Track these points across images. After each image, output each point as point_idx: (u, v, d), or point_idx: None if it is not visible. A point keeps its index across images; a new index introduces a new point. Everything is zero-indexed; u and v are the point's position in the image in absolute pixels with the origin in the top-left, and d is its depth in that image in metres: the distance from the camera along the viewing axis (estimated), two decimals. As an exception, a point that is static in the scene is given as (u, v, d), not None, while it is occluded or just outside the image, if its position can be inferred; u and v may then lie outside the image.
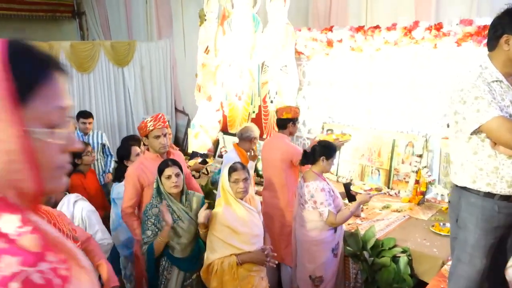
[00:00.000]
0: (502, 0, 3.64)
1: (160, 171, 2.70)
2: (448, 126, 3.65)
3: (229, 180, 2.50)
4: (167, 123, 3.14)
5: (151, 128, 2.97)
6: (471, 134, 2.04)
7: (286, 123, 3.46)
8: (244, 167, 2.55)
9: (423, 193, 3.69)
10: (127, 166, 3.41)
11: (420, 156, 3.78)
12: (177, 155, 3.28)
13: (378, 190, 3.58)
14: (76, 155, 3.71)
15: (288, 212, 3.42)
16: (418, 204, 3.65)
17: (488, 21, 3.35)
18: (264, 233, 2.67)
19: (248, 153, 3.67)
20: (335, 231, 2.86)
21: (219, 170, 4.40)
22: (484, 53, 3.36)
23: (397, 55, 3.93)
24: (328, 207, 2.76)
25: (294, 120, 3.47)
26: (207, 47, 5.42)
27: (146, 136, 3.01)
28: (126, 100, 6.69)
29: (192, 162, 4.89)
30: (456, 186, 2.21)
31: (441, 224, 3.20)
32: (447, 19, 3.68)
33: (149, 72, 6.81)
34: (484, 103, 1.94)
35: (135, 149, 3.54)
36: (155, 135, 2.98)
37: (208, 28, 5.36)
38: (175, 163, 2.73)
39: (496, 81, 2.01)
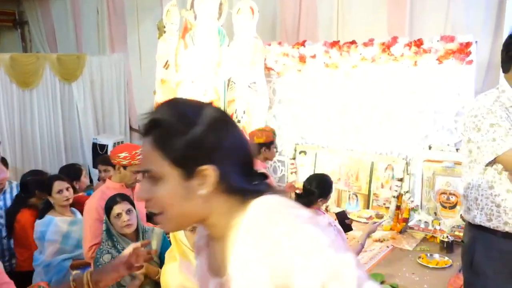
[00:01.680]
0: (476, 18, 3.70)
1: (108, 209, 2.43)
2: (430, 148, 3.61)
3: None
4: None
5: (136, 162, 2.73)
6: (486, 165, 1.86)
7: (258, 148, 3.31)
8: None
9: (406, 220, 3.57)
10: (50, 203, 3.07)
11: (401, 180, 3.68)
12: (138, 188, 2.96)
13: (380, 217, 3.42)
14: (75, 176, 3.21)
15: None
16: (401, 232, 3.52)
17: (469, 38, 3.30)
18: None
19: None
20: None
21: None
22: (467, 71, 3.40)
23: (375, 72, 3.81)
24: None
25: (268, 145, 3.32)
26: (167, 61, 5.09)
27: (123, 166, 2.75)
28: (74, 119, 6.22)
29: None
30: (470, 224, 2.01)
31: (428, 255, 3.07)
32: (423, 36, 3.61)
33: (100, 88, 6.41)
34: (501, 131, 1.76)
35: (58, 185, 3.07)
36: (136, 170, 2.76)
37: (168, 41, 5.04)
38: (125, 198, 2.47)
39: None
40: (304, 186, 2.75)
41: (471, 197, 1.97)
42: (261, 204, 0.89)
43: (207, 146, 0.89)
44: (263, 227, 0.85)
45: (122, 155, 2.74)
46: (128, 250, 1.55)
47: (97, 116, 6.41)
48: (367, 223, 3.15)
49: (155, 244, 2.44)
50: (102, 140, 6.02)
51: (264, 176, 0.98)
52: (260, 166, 3.27)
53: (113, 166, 2.85)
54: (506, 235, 1.86)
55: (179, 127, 0.89)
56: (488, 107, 1.82)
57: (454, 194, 3.38)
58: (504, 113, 1.79)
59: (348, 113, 4.04)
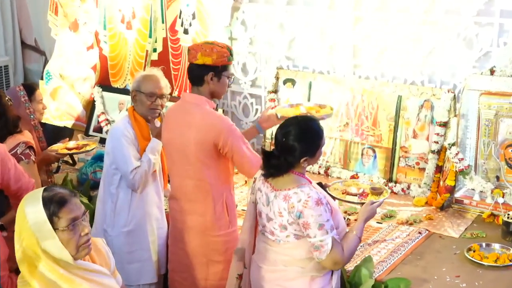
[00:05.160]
0: None
1: None
2: (491, 72, 3.45)
3: (54, 225, 1.98)
4: None
5: None
6: None
7: (201, 74, 3.00)
8: (74, 193, 2.10)
9: (451, 190, 3.53)
10: None
11: (445, 125, 3.67)
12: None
13: (378, 192, 3.13)
14: None
15: (212, 238, 3.10)
16: (442, 208, 3.56)
17: None
18: None
19: (151, 125, 3.33)
20: (332, 272, 2.64)
21: (95, 157, 4.14)
22: None
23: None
24: (331, 233, 2.47)
25: (217, 70, 3.00)
26: None
27: None
28: None
29: (58, 147, 4.24)
30: None
31: (483, 245, 3.08)
32: None
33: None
34: None
35: None
36: None
37: None
38: None
39: None
40: (276, 138, 2.63)
41: None
42: None
43: None
44: None
45: None
46: None
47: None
48: (361, 203, 2.98)
49: None
50: (-26, 64, 5.86)
51: None
52: (206, 105, 3.03)
53: None
54: None
55: None
56: None
57: (528, 147, 3.39)
58: None
59: (362, 20, 3.99)
